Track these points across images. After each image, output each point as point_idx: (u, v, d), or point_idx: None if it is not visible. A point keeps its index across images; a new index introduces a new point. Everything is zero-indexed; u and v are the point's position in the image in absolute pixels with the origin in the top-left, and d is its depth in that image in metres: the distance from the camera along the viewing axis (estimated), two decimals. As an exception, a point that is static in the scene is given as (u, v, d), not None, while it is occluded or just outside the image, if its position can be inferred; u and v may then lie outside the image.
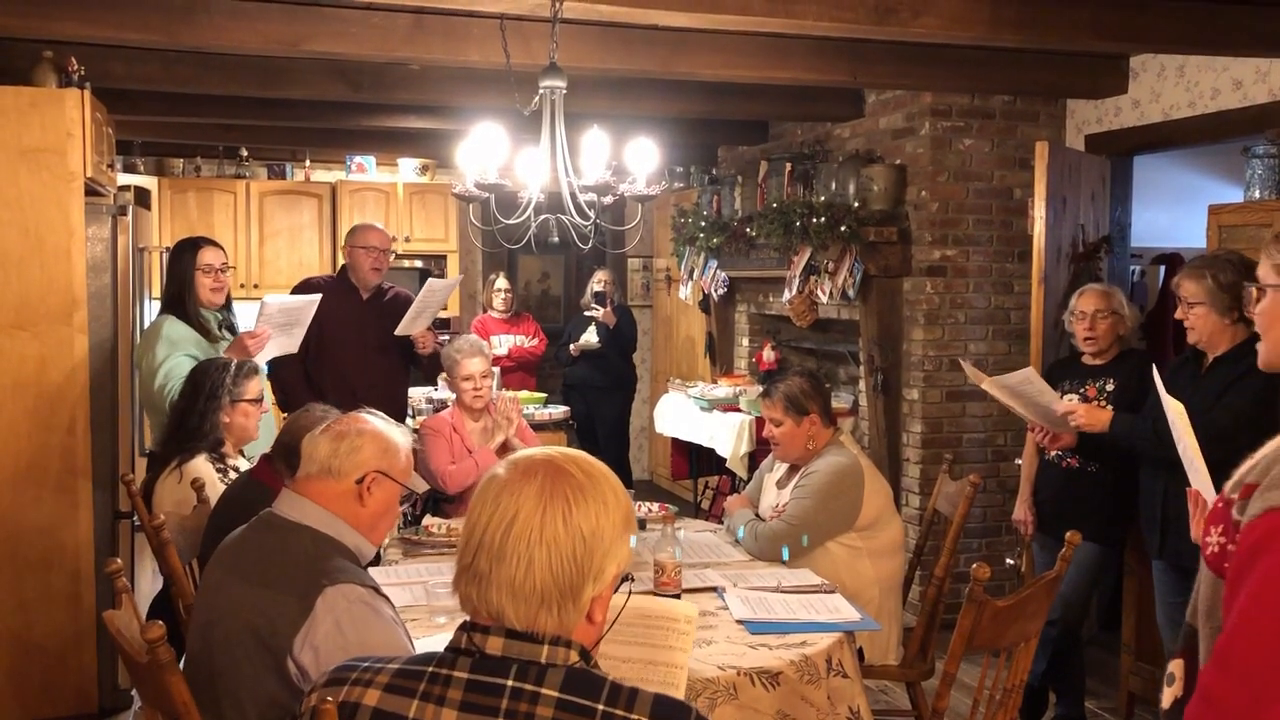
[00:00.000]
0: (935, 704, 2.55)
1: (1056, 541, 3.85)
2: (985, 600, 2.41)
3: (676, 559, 2.86)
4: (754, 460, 5.69)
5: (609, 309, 6.88)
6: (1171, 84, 4.69)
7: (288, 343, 4.25)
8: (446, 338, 4.73)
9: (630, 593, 1.98)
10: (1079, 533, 2.77)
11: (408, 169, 8.02)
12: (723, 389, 6.36)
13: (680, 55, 4.35)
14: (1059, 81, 4.95)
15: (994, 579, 2.52)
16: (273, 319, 4.10)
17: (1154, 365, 3.11)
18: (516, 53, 3.94)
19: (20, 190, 3.73)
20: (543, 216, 3.32)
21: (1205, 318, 3.26)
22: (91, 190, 3.96)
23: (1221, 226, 3.93)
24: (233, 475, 3.35)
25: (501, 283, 7.09)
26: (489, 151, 3.26)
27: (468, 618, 1.44)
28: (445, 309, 7.77)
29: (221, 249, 4.23)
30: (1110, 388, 3.78)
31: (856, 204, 5.33)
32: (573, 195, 3.28)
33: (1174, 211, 5.89)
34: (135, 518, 3.90)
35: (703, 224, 6.64)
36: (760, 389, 5.79)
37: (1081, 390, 3.83)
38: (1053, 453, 3.88)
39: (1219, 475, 2.64)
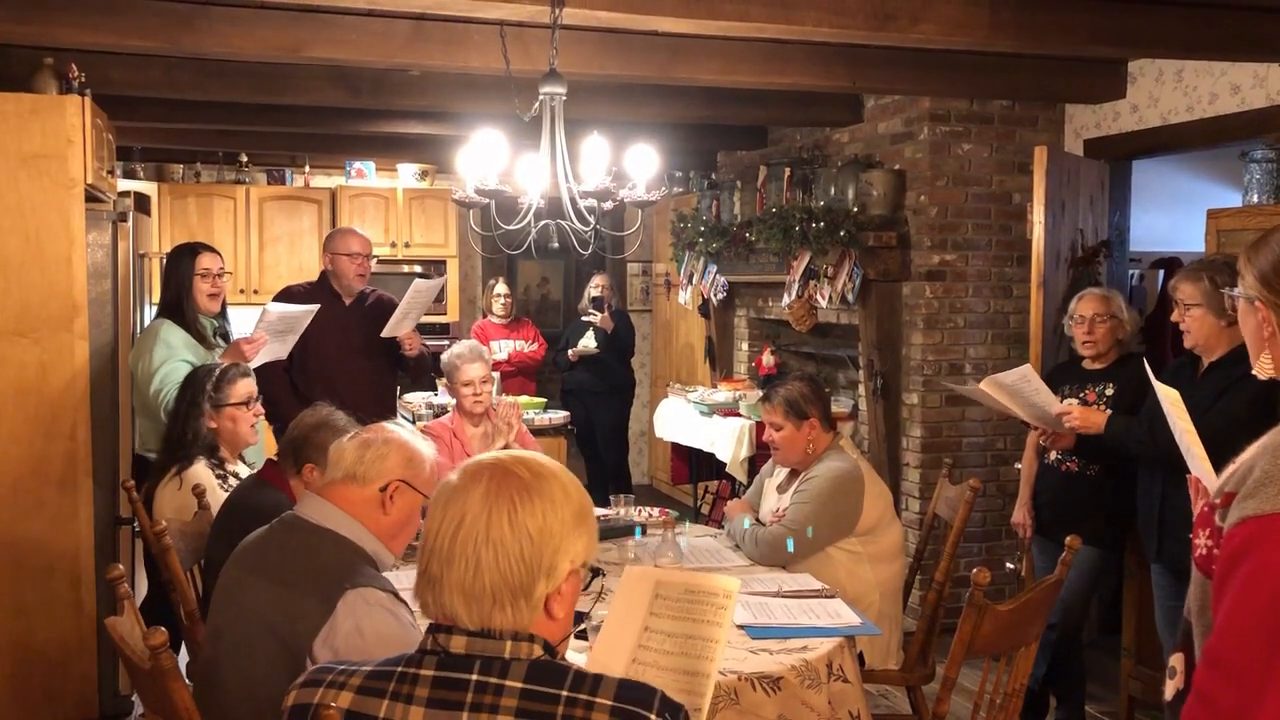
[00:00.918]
0: (936, 708, 2.55)
1: (1056, 545, 3.86)
2: (986, 605, 2.41)
3: (678, 564, 2.87)
4: (754, 465, 5.69)
5: (606, 314, 6.88)
6: (1170, 89, 4.70)
7: (279, 349, 4.25)
8: (446, 342, 4.73)
9: (602, 589, 1.98)
10: (1079, 537, 2.77)
11: (407, 174, 8.03)
12: (722, 394, 6.37)
13: (679, 61, 4.35)
14: (1057, 86, 4.96)
15: (994, 583, 2.53)
16: (272, 326, 4.11)
17: (1146, 360, 3.12)
18: (516, 58, 3.95)
19: (21, 197, 3.73)
20: (543, 222, 3.33)
21: (1202, 320, 3.26)
22: (92, 196, 3.97)
23: (1220, 231, 3.94)
24: (233, 481, 3.36)
25: (501, 288, 7.09)
26: (489, 157, 3.27)
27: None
28: (444, 314, 7.79)
29: (219, 254, 4.23)
30: (1110, 392, 3.78)
31: (855, 209, 5.34)
32: (573, 201, 3.29)
33: (1172, 216, 5.90)
34: (135, 523, 3.90)
35: (702, 229, 6.65)
36: (760, 394, 5.80)
37: (1081, 394, 3.83)
38: (1053, 456, 3.88)
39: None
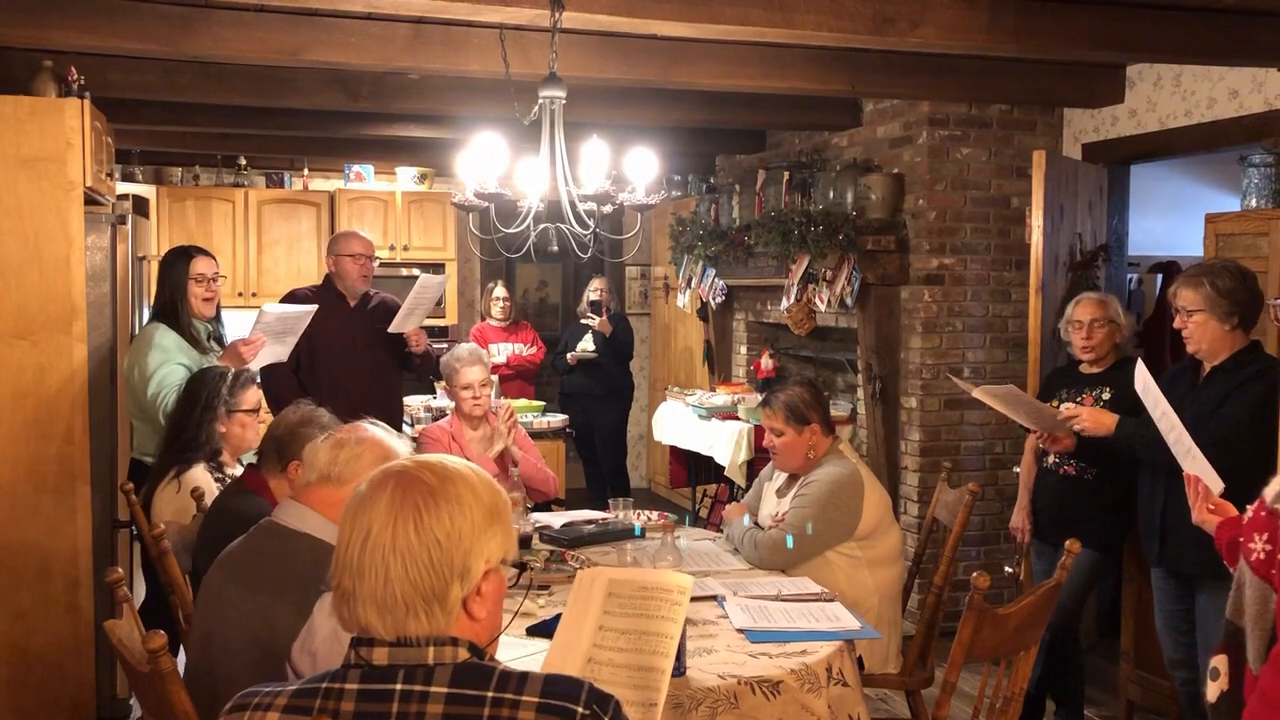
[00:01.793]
0: (935, 712, 2.55)
1: (1054, 548, 3.87)
2: (986, 609, 2.41)
3: (676, 568, 2.87)
4: (752, 468, 5.69)
5: (604, 317, 6.88)
6: (1168, 93, 4.71)
7: (279, 351, 4.25)
8: (445, 345, 4.74)
9: (531, 583, 1.98)
10: (1078, 541, 2.77)
11: (406, 178, 8.02)
12: (721, 397, 6.37)
13: (679, 64, 4.36)
14: (1056, 91, 4.97)
15: (992, 587, 2.53)
16: (270, 327, 4.11)
17: (1140, 361, 3.12)
18: (516, 62, 3.95)
19: (20, 199, 3.73)
20: (542, 225, 3.33)
21: (1204, 325, 3.26)
22: (91, 199, 3.96)
23: (1218, 235, 3.94)
24: (231, 484, 3.35)
25: (500, 291, 7.09)
26: (489, 160, 3.27)
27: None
28: (443, 317, 7.79)
29: (213, 258, 4.23)
30: (1107, 396, 3.79)
31: (854, 212, 5.35)
32: (572, 204, 3.29)
33: (1171, 220, 5.91)
34: (134, 526, 3.89)
35: (701, 232, 6.66)
36: (758, 397, 5.80)
37: (1079, 399, 3.84)
38: (1051, 460, 3.88)
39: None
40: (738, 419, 6.04)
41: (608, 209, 3.37)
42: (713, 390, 6.68)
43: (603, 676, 2.04)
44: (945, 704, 2.51)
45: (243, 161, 7.77)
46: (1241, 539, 1.47)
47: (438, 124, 5.86)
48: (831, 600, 2.98)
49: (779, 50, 4.41)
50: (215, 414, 3.39)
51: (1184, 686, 3.49)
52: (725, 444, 5.96)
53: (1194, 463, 2.73)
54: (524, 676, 1.39)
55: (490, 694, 1.37)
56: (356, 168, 7.92)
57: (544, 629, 2.60)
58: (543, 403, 6.45)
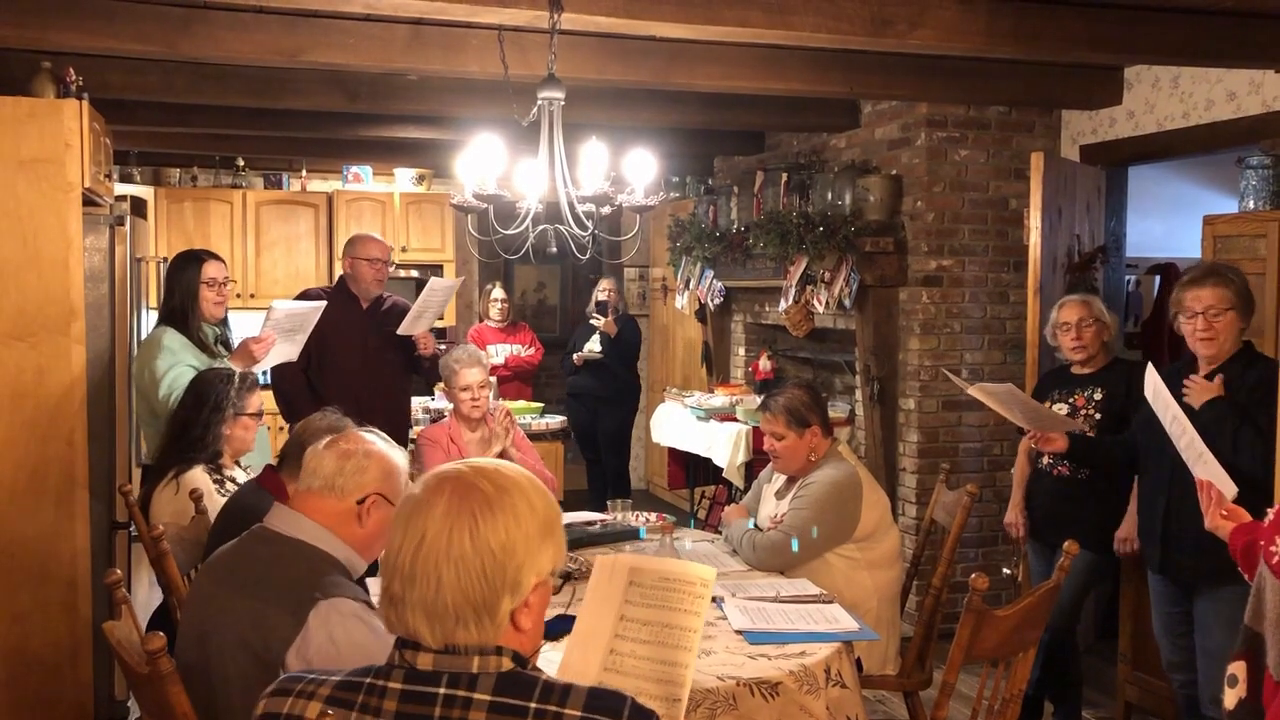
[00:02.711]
0: (934, 714, 2.55)
1: (1050, 549, 3.88)
2: (985, 610, 2.41)
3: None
4: (751, 470, 5.69)
5: (610, 318, 6.88)
6: (1166, 95, 4.71)
7: (289, 350, 4.25)
8: (444, 346, 4.75)
9: (574, 594, 1.97)
10: (1076, 543, 2.77)
11: (404, 179, 8.02)
12: (719, 399, 6.37)
13: (677, 66, 4.36)
14: (1054, 92, 4.97)
15: (991, 588, 2.53)
16: (279, 325, 4.11)
17: (1150, 366, 3.11)
18: (514, 63, 3.95)
19: (18, 201, 3.72)
20: (541, 227, 3.32)
21: (1234, 324, 3.21)
22: (89, 200, 3.96)
23: (1216, 237, 3.95)
24: (230, 487, 3.35)
25: (498, 292, 7.09)
26: (488, 162, 3.27)
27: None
28: (441, 318, 7.78)
29: (223, 262, 4.24)
30: (1098, 397, 3.80)
31: (852, 214, 5.35)
32: (571, 206, 3.29)
33: (1169, 222, 5.91)
34: (132, 528, 3.89)
35: (699, 234, 6.66)
36: (757, 399, 5.80)
37: (1071, 400, 3.86)
38: (1045, 461, 3.89)
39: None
40: (736, 420, 6.04)
41: (606, 210, 3.37)
42: (711, 392, 6.68)
43: (625, 667, 2.03)
44: (944, 705, 2.52)
45: (241, 162, 7.77)
46: (1262, 542, 1.45)
47: (436, 125, 5.86)
48: (830, 602, 2.98)
49: (777, 52, 4.41)
50: (223, 415, 3.39)
51: (1182, 689, 3.49)
52: (724, 445, 5.96)
53: (1206, 468, 2.69)
54: (567, 689, 1.39)
55: (533, 705, 1.37)
56: (355, 169, 7.92)
57: (549, 630, 2.58)
58: (541, 404, 6.45)
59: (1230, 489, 2.61)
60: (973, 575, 2.45)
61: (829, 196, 5.57)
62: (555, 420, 6.07)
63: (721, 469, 6.03)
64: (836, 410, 5.77)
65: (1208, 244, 3.98)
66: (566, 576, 1.55)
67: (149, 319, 4.64)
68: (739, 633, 2.70)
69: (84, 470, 3.86)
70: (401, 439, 4.98)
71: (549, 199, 3.31)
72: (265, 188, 7.93)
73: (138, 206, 5.25)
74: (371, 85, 4.96)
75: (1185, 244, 5.31)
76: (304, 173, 8.05)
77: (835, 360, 6.30)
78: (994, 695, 2.58)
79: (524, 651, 1.44)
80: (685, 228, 6.87)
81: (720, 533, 3.75)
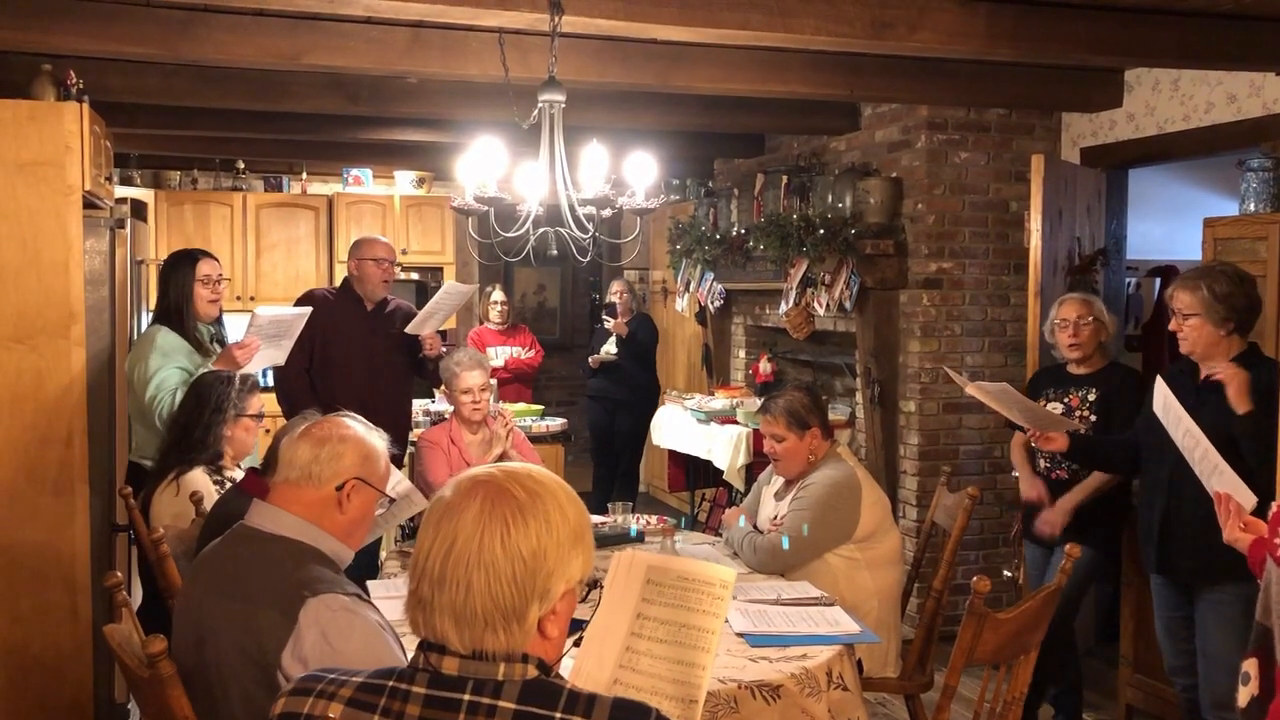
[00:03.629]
0: (935, 717, 2.55)
1: (1047, 550, 3.87)
2: (986, 613, 2.41)
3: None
4: (751, 472, 5.69)
5: (620, 319, 6.89)
6: (1166, 97, 4.72)
7: (276, 354, 4.25)
8: (445, 349, 4.75)
9: (599, 601, 1.97)
10: (1078, 545, 2.77)
11: (404, 181, 8.02)
12: (719, 401, 6.37)
13: (678, 68, 4.36)
14: (1054, 95, 4.97)
15: (992, 591, 2.53)
16: (263, 330, 4.10)
17: (1142, 370, 3.10)
18: (515, 66, 3.95)
19: (18, 203, 3.72)
20: (541, 229, 3.32)
21: (1199, 329, 3.25)
22: (89, 203, 3.96)
23: (1217, 239, 3.95)
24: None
25: (498, 295, 7.10)
26: (489, 164, 3.27)
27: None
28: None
29: (217, 260, 4.24)
30: (1093, 397, 3.81)
31: (853, 217, 5.35)
32: (571, 208, 3.29)
33: (1169, 224, 5.91)
34: (132, 530, 3.89)
35: (699, 236, 6.66)
36: (757, 401, 5.80)
37: (1065, 399, 3.86)
38: (1043, 464, 3.89)
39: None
40: (736, 423, 6.04)
41: (607, 213, 3.37)
42: (711, 394, 6.68)
43: (642, 666, 2.02)
44: (945, 708, 2.51)
45: (241, 165, 7.77)
46: (1267, 536, 1.45)
47: (436, 128, 5.86)
48: (831, 604, 2.98)
49: (777, 54, 4.41)
50: (224, 417, 3.38)
51: (1184, 693, 3.49)
52: (724, 448, 5.96)
53: (1222, 479, 2.64)
54: (592, 699, 1.38)
55: (559, 714, 1.36)
56: (355, 171, 7.92)
57: None
58: (541, 406, 6.45)
59: (1249, 500, 2.55)
60: (974, 578, 2.45)
61: (829, 199, 5.57)
62: (556, 422, 6.07)
63: (722, 471, 6.03)
64: (837, 413, 5.77)
65: (1208, 246, 3.98)
66: (593, 584, 1.54)
67: (148, 322, 4.64)
68: (740, 635, 2.70)
69: (84, 473, 3.86)
70: (403, 441, 4.98)
71: (549, 201, 3.32)
72: (265, 190, 7.94)
73: (138, 209, 5.26)
74: (372, 88, 4.96)
75: (1186, 246, 5.31)
76: (304, 175, 8.05)
77: (835, 363, 6.30)
78: (995, 698, 2.58)
79: (548, 659, 1.44)
80: (685, 230, 6.87)
81: (720, 535, 3.75)
